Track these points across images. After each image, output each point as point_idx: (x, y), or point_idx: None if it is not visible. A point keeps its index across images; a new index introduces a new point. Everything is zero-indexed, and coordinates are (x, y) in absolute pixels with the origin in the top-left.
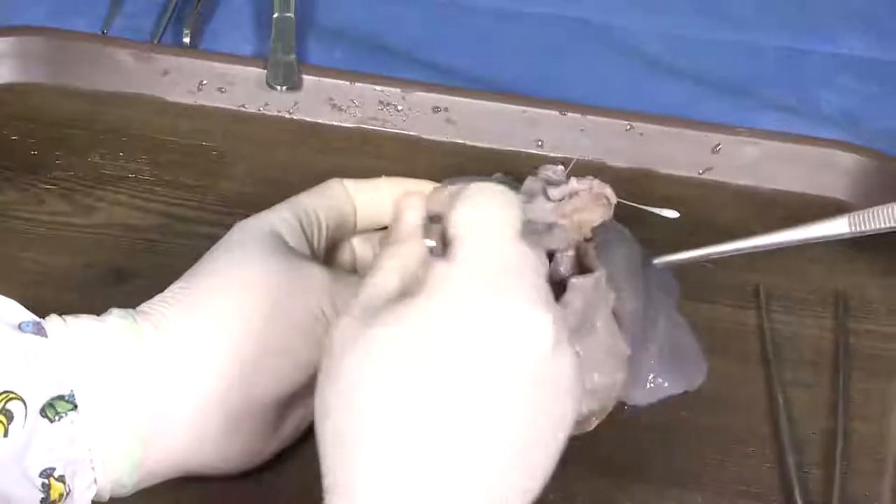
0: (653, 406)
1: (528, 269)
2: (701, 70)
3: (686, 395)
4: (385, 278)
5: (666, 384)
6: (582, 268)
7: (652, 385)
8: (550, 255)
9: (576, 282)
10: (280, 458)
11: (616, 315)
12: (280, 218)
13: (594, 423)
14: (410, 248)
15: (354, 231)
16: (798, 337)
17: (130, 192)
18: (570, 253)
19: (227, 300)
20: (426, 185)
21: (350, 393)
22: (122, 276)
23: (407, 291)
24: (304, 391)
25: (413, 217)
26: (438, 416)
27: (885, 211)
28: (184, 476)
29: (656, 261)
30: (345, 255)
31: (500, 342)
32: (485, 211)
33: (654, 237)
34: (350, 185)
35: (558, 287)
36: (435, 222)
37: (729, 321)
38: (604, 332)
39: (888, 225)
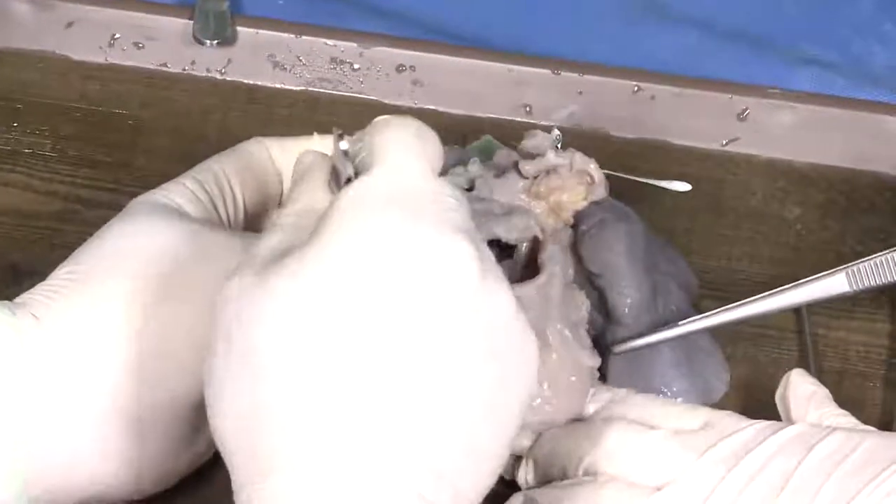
0: None
1: (443, 202)
2: (714, 16)
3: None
4: (282, 233)
5: (680, 396)
6: (535, 265)
7: (665, 395)
8: (511, 247)
9: (514, 292)
10: (197, 476)
11: (612, 309)
12: (182, 188)
13: None
14: (312, 201)
15: (280, 200)
16: (844, 343)
17: (27, 171)
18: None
19: (122, 284)
20: None
21: (248, 365)
22: (19, 274)
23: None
24: None
25: (315, 171)
26: (358, 374)
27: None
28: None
29: (617, 349)
30: None
31: (413, 276)
32: (393, 138)
33: (668, 221)
34: (273, 144)
35: None
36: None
37: (760, 324)
38: (559, 347)
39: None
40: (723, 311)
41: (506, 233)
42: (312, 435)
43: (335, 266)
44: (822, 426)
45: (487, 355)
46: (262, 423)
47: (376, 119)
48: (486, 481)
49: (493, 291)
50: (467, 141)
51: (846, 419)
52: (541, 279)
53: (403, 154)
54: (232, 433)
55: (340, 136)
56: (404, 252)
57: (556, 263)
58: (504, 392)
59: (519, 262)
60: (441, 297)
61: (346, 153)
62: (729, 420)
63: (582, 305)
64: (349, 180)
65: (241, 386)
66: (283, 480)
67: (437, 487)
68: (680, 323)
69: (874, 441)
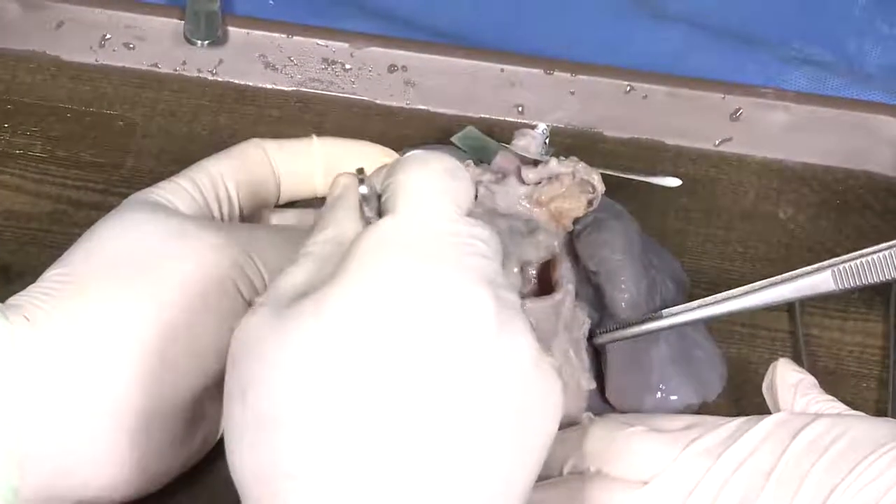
0: None
1: (468, 247)
2: (707, 15)
3: (703, 407)
4: (306, 268)
5: (678, 394)
6: (548, 281)
7: (663, 394)
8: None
9: (531, 305)
10: (188, 477)
11: (610, 305)
12: (177, 187)
13: None
14: (341, 234)
15: (277, 203)
16: (838, 344)
17: (18, 173)
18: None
19: (113, 285)
20: (368, 148)
21: (264, 411)
22: (10, 275)
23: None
24: (218, 389)
25: (348, 196)
26: (370, 428)
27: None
28: None
29: (598, 340)
30: None
31: (428, 327)
32: (420, 179)
33: (661, 221)
34: (271, 147)
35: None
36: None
37: (753, 324)
38: (562, 365)
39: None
40: (705, 304)
41: (535, 254)
42: (326, 488)
43: (351, 315)
44: (807, 413)
45: (505, 404)
46: (278, 473)
47: (404, 156)
48: None
49: (513, 340)
50: None
51: (833, 405)
52: (557, 297)
53: (427, 195)
54: (249, 480)
55: (361, 181)
56: (420, 303)
57: (569, 281)
58: (525, 439)
59: (528, 277)
60: (455, 348)
61: (364, 197)
62: (712, 419)
63: (584, 324)
64: (375, 217)
65: (257, 434)
66: None
67: None
68: (663, 313)
69: (860, 426)
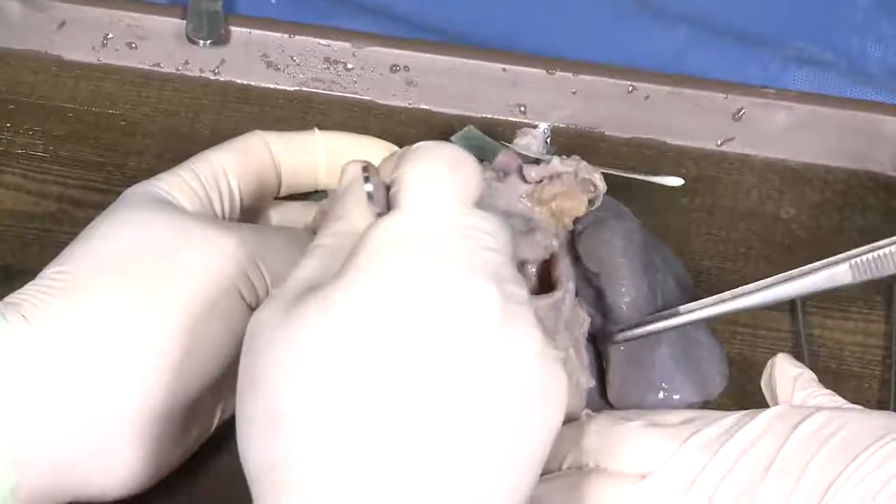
0: None
1: (474, 241)
2: (709, 15)
3: (705, 406)
4: (317, 261)
5: (680, 393)
6: (547, 279)
7: (665, 393)
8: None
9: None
10: (182, 472)
11: (612, 307)
12: (177, 179)
13: None
14: (351, 226)
15: (277, 196)
16: (840, 344)
17: (20, 172)
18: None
19: (114, 284)
20: (371, 143)
21: (273, 404)
22: (11, 275)
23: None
24: (216, 387)
25: (356, 188)
26: (377, 420)
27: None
28: None
29: (618, 338)
30: None
31: (432, 322)
32: (427, 172)
33: (663, 221)
34: (273, 140)
35: None
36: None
37: (754, 325)
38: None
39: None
40: (721, 300)
41: (532, 253)
42: (331, 479)
43: (356, 313)
44: (806, 406)
45: (509, 399)
46: (285, 464)
47: (410, 148)
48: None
49: (518, 334)
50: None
51: (832, 398)
52: (557, 295)
53: (433, 189)
54: (258, 469)
55: (367, 179)
56: (423, 300)
57: (569, 279)
58: (529, 432)
59: (528, 275)
60: (458, 344)
61: (369, 194)
62: (710, 413)
63: (584, 322)
64: (384, 210)
65: (266, 426)
66: None
67: None
68: (681, 309)
69: (859, 418)
